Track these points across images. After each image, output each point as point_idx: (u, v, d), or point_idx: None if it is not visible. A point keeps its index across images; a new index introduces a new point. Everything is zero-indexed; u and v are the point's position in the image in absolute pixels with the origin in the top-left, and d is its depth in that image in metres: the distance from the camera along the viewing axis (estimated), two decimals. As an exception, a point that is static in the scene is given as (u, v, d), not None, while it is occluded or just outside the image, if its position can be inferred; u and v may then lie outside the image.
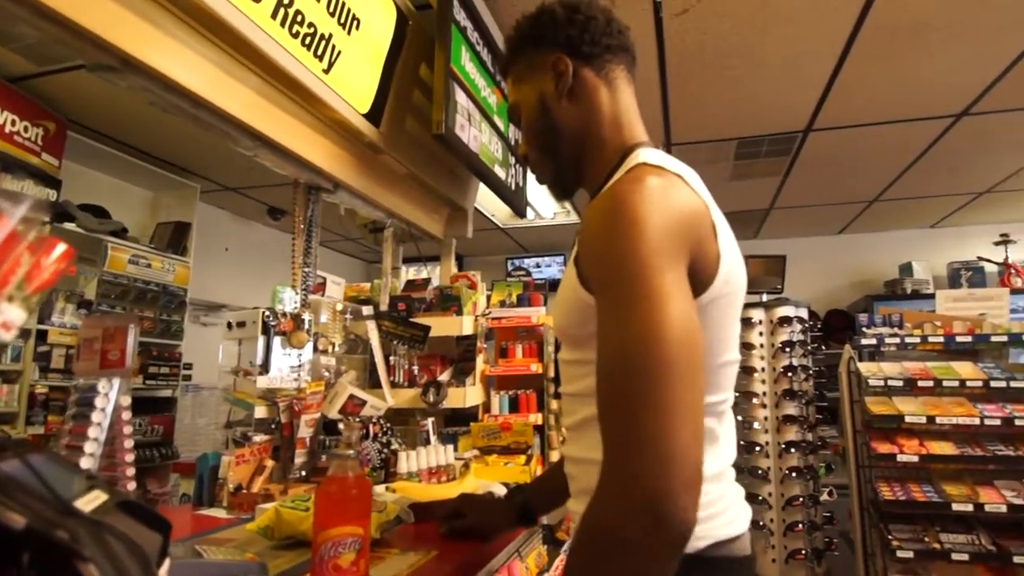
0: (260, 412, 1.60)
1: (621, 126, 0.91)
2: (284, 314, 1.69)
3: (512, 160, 2.22)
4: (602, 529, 0.63)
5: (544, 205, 4.43)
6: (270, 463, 1.57)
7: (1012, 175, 3.98)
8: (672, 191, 0.75)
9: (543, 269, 5.77)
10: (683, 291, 0.69)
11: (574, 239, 0.92)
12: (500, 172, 2.06)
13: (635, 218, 0.70)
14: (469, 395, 2.03)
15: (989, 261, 4.72)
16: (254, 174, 3.82)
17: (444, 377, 2.08)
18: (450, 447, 1.80)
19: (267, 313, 1.65)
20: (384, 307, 2.05)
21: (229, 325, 1.73)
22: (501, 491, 1.56)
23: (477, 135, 1.86)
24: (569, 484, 0.96)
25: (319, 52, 1.48)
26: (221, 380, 1.75)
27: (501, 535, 1.28)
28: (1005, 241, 4.72)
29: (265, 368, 1.64)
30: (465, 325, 2.04)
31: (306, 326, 1.73)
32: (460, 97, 1.74)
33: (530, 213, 4.57)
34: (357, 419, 1.82)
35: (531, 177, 3.18)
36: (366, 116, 1.68)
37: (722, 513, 0.81)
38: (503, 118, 2.12)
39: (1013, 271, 4.58)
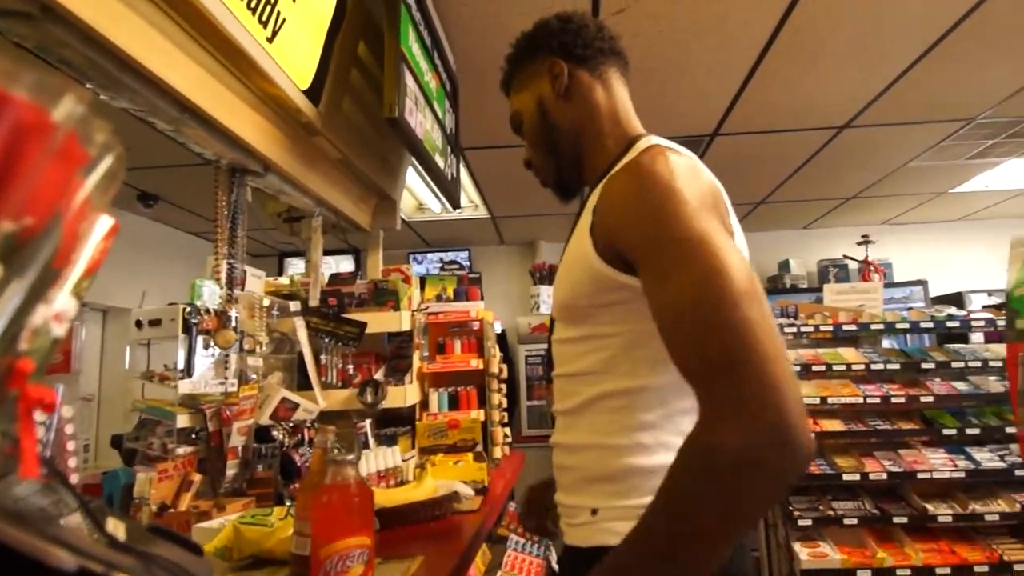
0: (183, 421, 1.42)
1: (619, 119, 0.96)
2: (207, 310, 1.51)
3: (449, 149, 2.14)
4: (731, 456, 0.59)
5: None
6: (197, 477, 1.39)
7: (875, 183, 4.48)
8: (696, 166, 0.79)
9: (445, 264, 5.68)
10: (730, 237, 0.73)
11: (575, 219, 0.93)
12: (440, 161, 1.97)
13: (671, 183, 0.73)
14: (409, 394, 1.93)
15: (852, 259, 5.29)
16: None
17: (379, 376, 1.97)
18: (396, 449, 1.70)
19: (188, 309, 1.46)
20: (314, 302, 1.90)
21: (139, 324, 1.51)
22: (466, 491, 1.50)
23: (422, 121, 1.77)
24: (561, 476, 0.93)
25: (264, 18, 1.32)
26: (128, 385, 1.53)
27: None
28: (866, 241, 5.32)
29: (188, 371, 1.45)
30: (403, 321, 1.94)
31: (232, 324, 1.55)
32: (409, 80, 1.64)
33: (436, 206, 4.47)
34: (291, 423, 1.67)
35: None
36: (306, 93, 1.53)
37: None
38: (441, 105, 2.04)
39: (872, 268, 5.17)
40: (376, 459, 1.59)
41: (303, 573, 0.90)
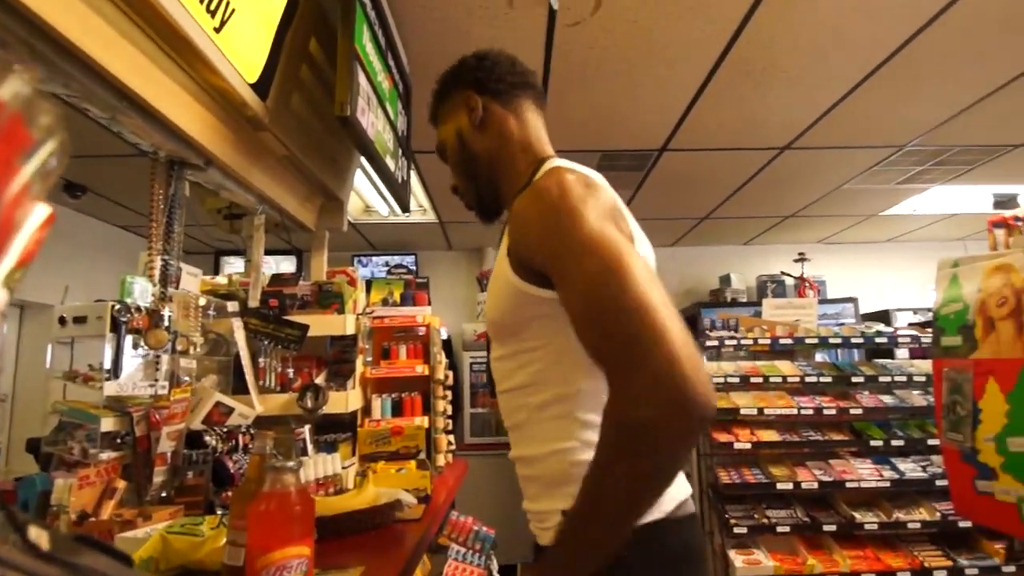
0: (108, 424, 1.35)
1: (530, 146, 1.05)
2: (138, 309, 1.45)
3: (401, 151, 2.13)
4: (640, 426, 0.67)
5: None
6: (121, 484, 1.33)
7: (812, 203, 4.71)
8: (589, 180, 0.89)
9: (390, 269, 5.61)
10: (618, 234, 0.79)
11: (499, 236, 1.01)
12: (391, 163, 1.96)
13: (566, 198, 0.82)
14: (351, 399, 1.90)
15: (789, 275, 5.54)
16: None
17: (320, 380, 1.93)
18: (336, 456, 1.67)
19: (117, 307, 1.40)
20: (255, 303, 1.85)
21: (62, 321, 1.44)
22: (409, 499, 1.49)
23: (374, 121, 1.75)
24: (526, 487, 0.98)
25: (212, 7, 1.29)
26: (49, 386, 1.45)
27: None
28: (802, 259, 5.57)
29: (115, 372, 1.39)
30: (347, 324, 1.91)
31: (165, 323, 1.50)
32: (362, 79, 1.62)
33: (384, 208, 4.43)
34: (225, 428, 1.62)
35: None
36: (253, 87, 1.50)
37: (678, 478, 0.90)
38: (394, 107, 2.03)
39: (807, 284, 5.42)
40: (315, 466, 1.56)
41: (233, 584, 0.87)
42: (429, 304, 2.29)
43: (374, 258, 5.58)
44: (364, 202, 4.22)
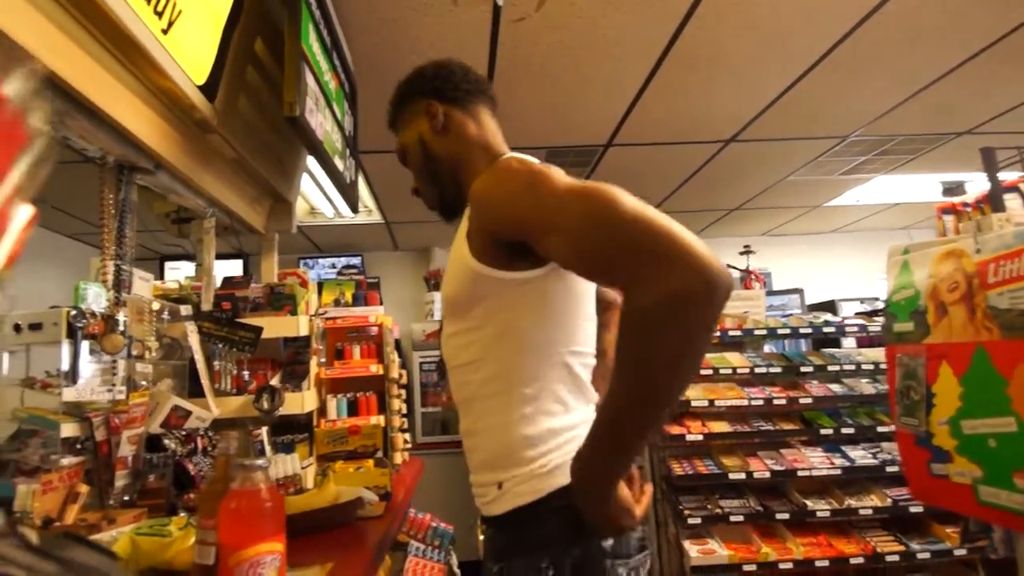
0: (68, 430, 1.43)
1: (489, 146, 1.19)
2: (94, 314, 1.53)
3: (348, 152, 2.25)
4: (674, 296, 0.74)
5: (343, 203, 4.40)
6: (84, 488, 1.41)
7: (757, 195, 5.03)
8: (533, 161, 1.03)
9: (339, 269, 5.67)
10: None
11: (458, 223, 1.14)
12: (339, 163, 2.08)
13: (531, 168, 0.97)
14: (307, 400, 2.01)
15: (735, 268, 5.87)
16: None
17: (275, 382, 2.03)
18: (295, 456, 1.78)
19: (73, 312, 1.48)
20: (207, 306, 1.94)
21: (17, 328, 1.51)
22: (371, 496, 1.61)
23: (322, 122, 1.87)
24: (469, 459, 1.13)
25: (159, 8, 1.38)
26: (6, 393, 1.51)
27: None
28: (747, 251, 5.91)
29: (72, 378, 1.47)
30: (301, 326, 2.02)
31: (120, 328, 1.58)
32: (309, 79, 1.74)
33: (329, 210, 4.50)
34: (183, 431, 1.71)
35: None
36: (201, 88, 1.60)
37: None
38: (340, 107, 2.15)
39: (753, 276, 5.76)
40: (275, 467, 1.67)
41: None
42: (381, 304, 2.41)
43: (320, 260, 5.66)
44: (309, 204, 4.29)
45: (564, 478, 0.97)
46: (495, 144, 1.20)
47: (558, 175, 0.94)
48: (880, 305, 5.21)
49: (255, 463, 0.91)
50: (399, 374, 2.34)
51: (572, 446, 0.99)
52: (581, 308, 1.08)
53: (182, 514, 1.47)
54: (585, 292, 1.09)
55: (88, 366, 1.49)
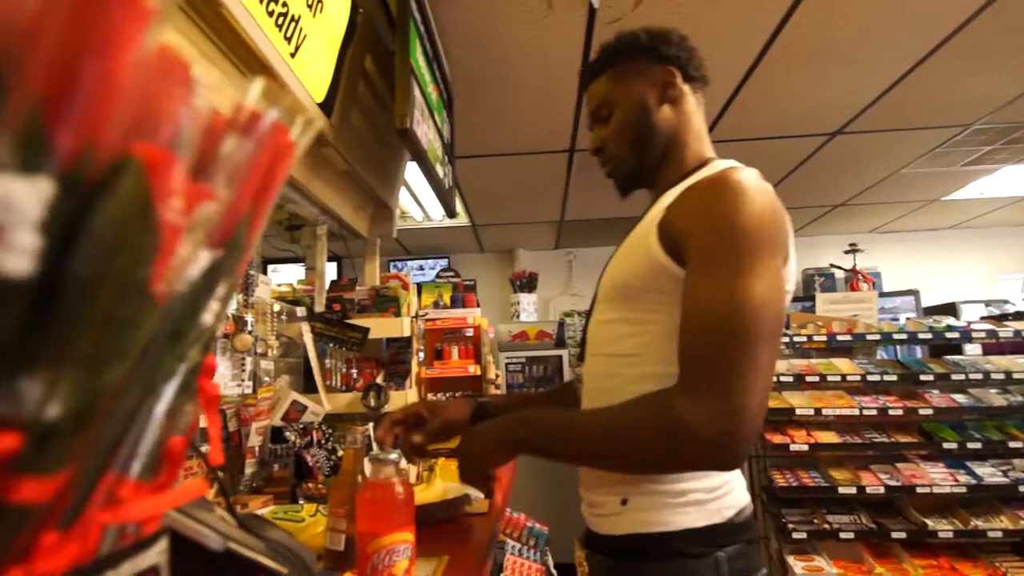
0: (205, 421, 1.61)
1: (702, 139, 1.15)
2: (227, 316, 1.71)
3: (447, 158, 2.37)
4: (678, 420, 0.83)
5: (433, 207, 4.59)
6: (220, 474, 1.59)
7: (865, 190, 4.83)
8: (772, 193, 0.97)
9: (426, 272, 5.91)
10: (782, 279, 0.92)
11: (645, 209, 1.12)
12: (440, 170, 2.21)
13: (753, 204, 0.91)
14: (409, 398, 2.15)
15: (840, 268, 5.64)
16: None
17: (380, 380, 2.18)
18: (399, 452, 1.91)
19: (208, 313, 1.66)
20: (320, 308, 2.11)
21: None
22: (476, 494, 1.71)
23: (426, 131, 2.00)
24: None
25: (289, 34, 1.54)
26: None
27: (454, 434, 1.33)
28: (853, 250, 5.66)
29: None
30: (404, 327, 2.16)
31: (248, 328, 1.76)
32: (416, 92, 1.87)
33: (418, 213, 4.70)
34: (300, 425, 1.88)
35: (421, 179, 3.33)
36: (320, 105, 1.76)
37: (739, 485, 1.04)
38: (440, 115, 2.28)
39: (860, 277, 5.51)
40: (385, 461, 1.80)
41: (337, 567, 1.05)
42: (478, 306, 2.53)
43: (408, 262, 5.90)
44: (400, 208, 4.51)
45: (699, 518, 0.96)
46: (706, 139, 1.16)
47: (768, 234, 0.90)
48: (1009, 308, 4.88)
49: (388, 457, 0.95)
50: (495, 375, 2.44)
51: (713, 478, 0.99)
52: None
53: (301, 502, 1.62)
54: None
55: (221, 363, 1.66)
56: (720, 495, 0.98)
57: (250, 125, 0.26)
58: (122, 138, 0.21)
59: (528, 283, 5.70)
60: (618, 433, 0.89)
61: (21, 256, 0.19)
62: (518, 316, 5.59)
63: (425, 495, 1.65)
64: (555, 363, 5.06)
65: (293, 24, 1.56)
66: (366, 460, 1.08)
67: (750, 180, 0.94)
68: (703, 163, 1.10)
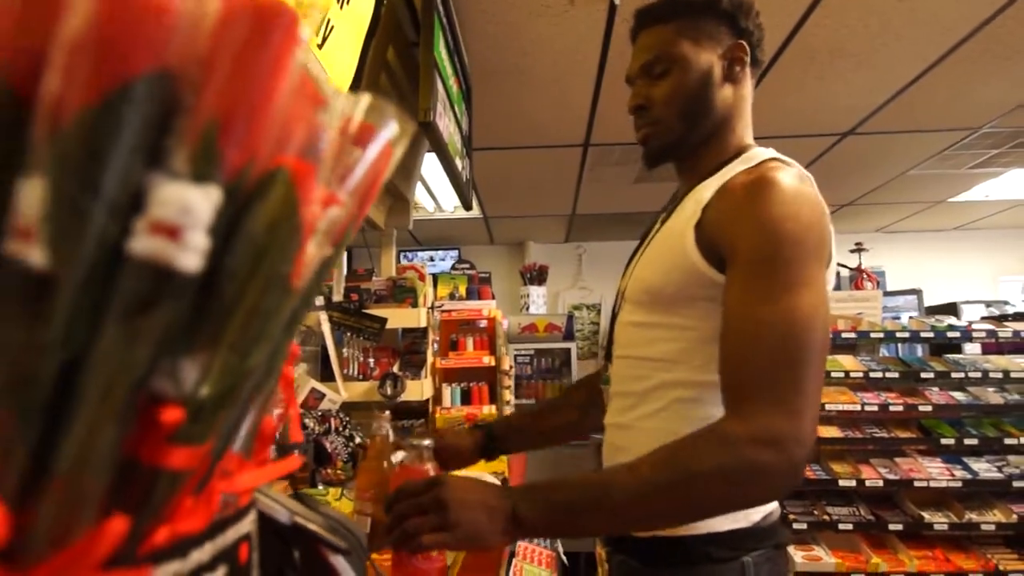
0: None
1: (748, 127, 1.06)
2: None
3: (465, 151, 2.39)
4: (747, 463, 0.76)
5: (445, 198, 4.60)
6: (242, 458, 1.63)
7: (873, 190, 4.84)
8: (816, 192, 0.91)
9: (436, 263, 5.94)
10: (826, 289, 0.88)
11: (670, 207, 1.06)
12: (459, 163, 2.23)
13: (800, 209, 0.86)
14: (424, 388, 2.18)
15: (845, 267, 5.64)
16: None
17: (396, 370, 2.21)
18: (431, 439, 1.95)
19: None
20: (339, 297, 2.14)
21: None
22: (493, 481, 1.74)
23: (447, 124, 2.02)
24: (617, 456, 1.03)
25: (316, 25, 1.57)
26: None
27: (460, 467, 1.31)
28: (859, 249, 5.67)
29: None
30: (421, 317, 2.19)
31: (269, 314, 1.79)
32: (439, 85, 1.89)
33: (430, 205, 4.72)
34: (318, 412, 1.91)
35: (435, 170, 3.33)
36: (344, 97, 1.78)
37: None
38: (460, 108, 2.30)
39: (865, 276, 5.52)
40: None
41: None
42: (493, 298, 2.56)
43: (419, 253, 5.92)
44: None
45: (725, 522, 0.91)
46: (750, 126, 1.07)
47: (812, 245, 0.85)
48: (1009, 309, 4.89)
49: (422, 443, 1.00)
50: (509, 366, 2.47)
51: None
52: None
53: (321, 487, 1.66)
54: None
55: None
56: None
57: (364, 136, 0.28)
58: (273, 151, 0.24)
59: (538, 276, 5.73)
60: (677, 488, 0.78)
61: (194, 254, 0.22)
62: (527, 308, 5.62)
63: (441, 481, 1.69)
64: (563, 356, 5.09)
65: (321, 15, 1.58)
66: (402, 446, 1.10)
67: (795, 181, 0.88)
68: (742, 150, 1.02)
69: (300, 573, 0.50)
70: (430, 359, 2.29)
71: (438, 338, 2.39)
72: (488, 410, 2.27)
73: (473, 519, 0.75)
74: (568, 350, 5.08)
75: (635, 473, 0.79)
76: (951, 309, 5.07)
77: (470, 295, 2.56)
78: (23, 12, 0.20)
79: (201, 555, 0.30)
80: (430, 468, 1.00)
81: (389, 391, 2.08)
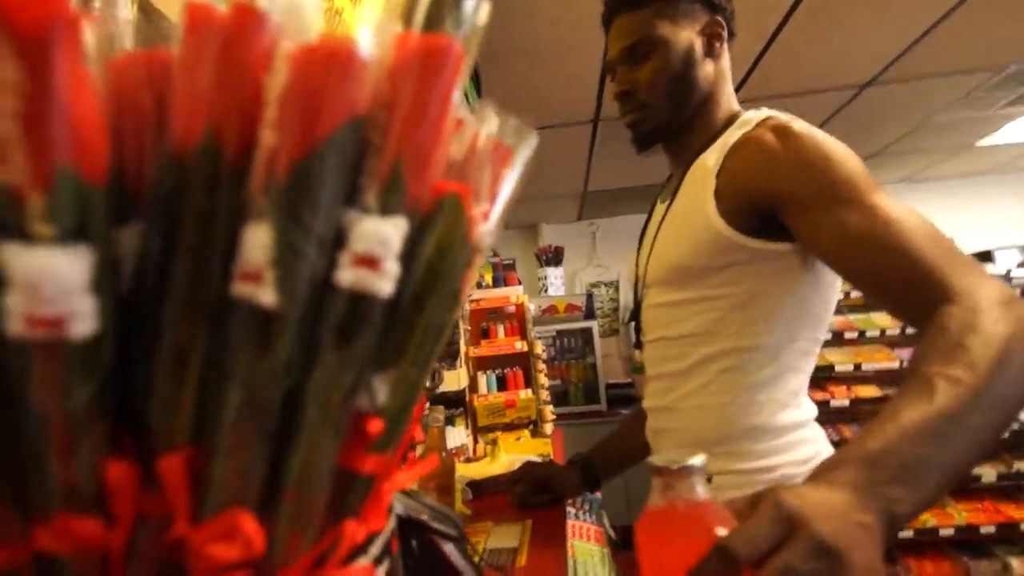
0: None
1: (732, 98, 1.09)
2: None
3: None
4: (1014, 313, 0.66)
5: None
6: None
7: (896, 140, 4.78)
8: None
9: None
10: None
11: (669, 190, 1.08)
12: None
13: (831, 142, 0.87)
14: (461, 377, 2.22)
15: (873, 220, 5.64)
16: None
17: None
18: (461, 428, 1.99)
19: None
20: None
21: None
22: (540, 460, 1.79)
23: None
24: (663, 439, 1.08)
25: (331, 26, 1.59)
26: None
27: (569, 497, 1.49)
28: (886, 200, 5.66)
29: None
30: (452, 307, 2.23)
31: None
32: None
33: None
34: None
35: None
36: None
37: (824, 445, 1.00)
38: (472, 94, 2.31)
39: (893, 229, 5.50)
40: (450, 438, 1.88)
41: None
42: (519, 284, 2.59)
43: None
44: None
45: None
46: (734, 96, 1.09)
47: (856, 159, 0.86)
48: (1045, 252, 4.84)
49: (687, 462, 0.49)
50: (542, 350, 2.51)
51: (803, 450, 0.95)
52: (829, 292, 0.97)
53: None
54: (835, 277, 0.96)
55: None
56: (811, 468, 0.88)
57: (500, 153, 0.31)
58: (440, 177, 0.27)
59: (554, 257, 5.74)
60: (1009, 368, 0.62)
61: (389, 280, 0.25)
62: (546, 290, 5.65)
63: (492, 468, 1.73)
64: (585, 335, 5.12)
65: (337, 18, 1.59)
66: (654, 477, 0.76)
67: (807, 125, 0.90)
68: (732, 117, 1.04)
69: (418, 561, 0.53)
70: (463, 349, 2.33)
71: (469, 327, 2.42)
72: (525, 394, 2.31)
73: (863, 552, 0.49)
74: (590, 329, 5.11)
75: (957, 383, 0.60)
76: (986, 257, 5.02)
77: (496, 283, 2.59)
78: (225, 79, 0.23)
79: (375, 550, 0.33)
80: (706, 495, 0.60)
81: (429, 383, 2.13)
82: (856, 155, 0.86)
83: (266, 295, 0.23)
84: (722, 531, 0.47)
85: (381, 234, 0.24)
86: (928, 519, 3.10)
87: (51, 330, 0.20)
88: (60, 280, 0.19)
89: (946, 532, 3.08)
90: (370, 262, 0.24)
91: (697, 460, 0.50)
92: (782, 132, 0.89)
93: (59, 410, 0.22)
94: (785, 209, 0.87)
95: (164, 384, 0.25)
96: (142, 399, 0.25)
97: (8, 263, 0.19)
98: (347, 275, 0.24)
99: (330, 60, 0.23)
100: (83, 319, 0.21)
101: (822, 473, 0.56)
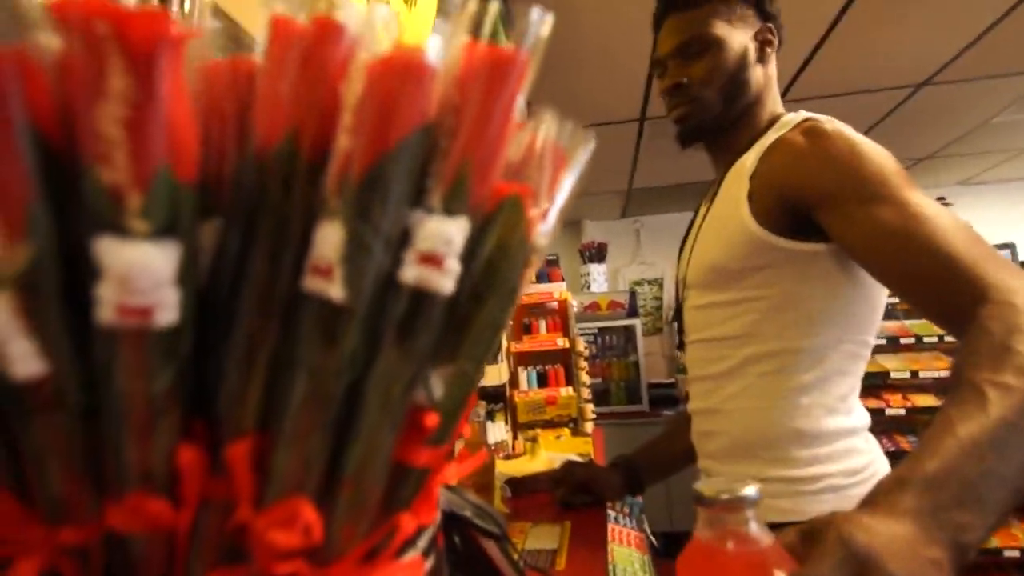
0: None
1: (777, 99, 1.10)
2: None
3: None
4: None
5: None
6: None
7: (953, 142, 4.61)
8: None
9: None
10: None
11: (712, 191, 1.10)
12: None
13: (866, 143, 0.88)
14: (502, 372, 2.23)
15: (929, 224, 5.45)
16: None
17: (473, 357, 2.27)
18: (500, 424, 2.00)
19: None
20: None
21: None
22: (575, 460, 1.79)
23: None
24: (707, 443, 1.07)
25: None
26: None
27: (610, 500, 1.46)
28: (942, 203, 5.46)
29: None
30: (494, 303, 2.24)
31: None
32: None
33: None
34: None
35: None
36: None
37: (884, 468, 0.97)
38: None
39: (951, 233, 5.31)
40: (489, 433, 1.89)
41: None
42: (563, 280, 2.59)
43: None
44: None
45: (837, 502, 0.87)
46: (779, 101, 1.11)
47: (893, 161, 0.87)
48: (1114, 260, 4.62)
49: (740, 493, 0.45)
50: (584, 347, 2.51)
51: (853, 460, 0.93)
52: (874, 292, 0.96)
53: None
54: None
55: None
56: (860, 480, 0.92)
57: (557, 155, 0.32)
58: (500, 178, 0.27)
59: (597, 254, 5.72)
60: None
61: (451, 278, 0.26)
62: (588, 287, 5.62)
63: (531, 466, 1.74)
64: (628, 333, 5.08)
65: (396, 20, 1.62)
66: (698, 507, 0.69)
67: (841, 126, 0.91)
68: (774, 120, 1.05)
69: (460, 557, 0.54)
70: (504, 343, 2.34)
71: (511, 322, 2.44)
72: (566, 392, 2.31)
73: None
74: (632, 327, 5.06)
75: (1009, 390, 0.58)
76: (1046, 262, 4.82)
77: (539, 279, 2.59)
78: (305, 87, 0.24)
79: (423, 543, 0.34)
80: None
81: (469, 378, 2.15)
82: (891, 155, 0.87)
83: (335, 290, 0.24)
84: (780, 574, 0.43)
85: (445, 234, 0.25)
86: (991, 540, 2.97)
87: (139, 319, 0.22)
88: (152, 273, 0.21)
89: (1011, 554, 2.95)
90: (434, 260, 0.25)
91: (751, 491, 0.45)
92: (813, 132, 0.91)
93: (141, 394, 0.24)
94: (817, 206, 0.88)
95: (234, 373, 0.26)
96: (213, 388, 0.27)
97: (103, 256, 0.21)
98: (411, 272, 0.25)
99: (403, 70, 0.24)
100: (168, 309, 0.22)
101: (880, 498, 0.53)
